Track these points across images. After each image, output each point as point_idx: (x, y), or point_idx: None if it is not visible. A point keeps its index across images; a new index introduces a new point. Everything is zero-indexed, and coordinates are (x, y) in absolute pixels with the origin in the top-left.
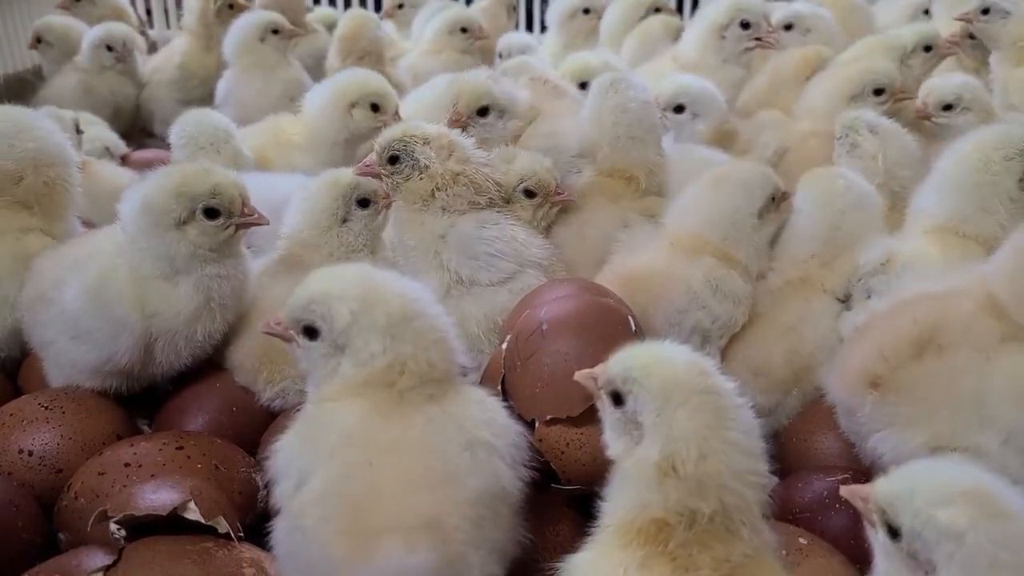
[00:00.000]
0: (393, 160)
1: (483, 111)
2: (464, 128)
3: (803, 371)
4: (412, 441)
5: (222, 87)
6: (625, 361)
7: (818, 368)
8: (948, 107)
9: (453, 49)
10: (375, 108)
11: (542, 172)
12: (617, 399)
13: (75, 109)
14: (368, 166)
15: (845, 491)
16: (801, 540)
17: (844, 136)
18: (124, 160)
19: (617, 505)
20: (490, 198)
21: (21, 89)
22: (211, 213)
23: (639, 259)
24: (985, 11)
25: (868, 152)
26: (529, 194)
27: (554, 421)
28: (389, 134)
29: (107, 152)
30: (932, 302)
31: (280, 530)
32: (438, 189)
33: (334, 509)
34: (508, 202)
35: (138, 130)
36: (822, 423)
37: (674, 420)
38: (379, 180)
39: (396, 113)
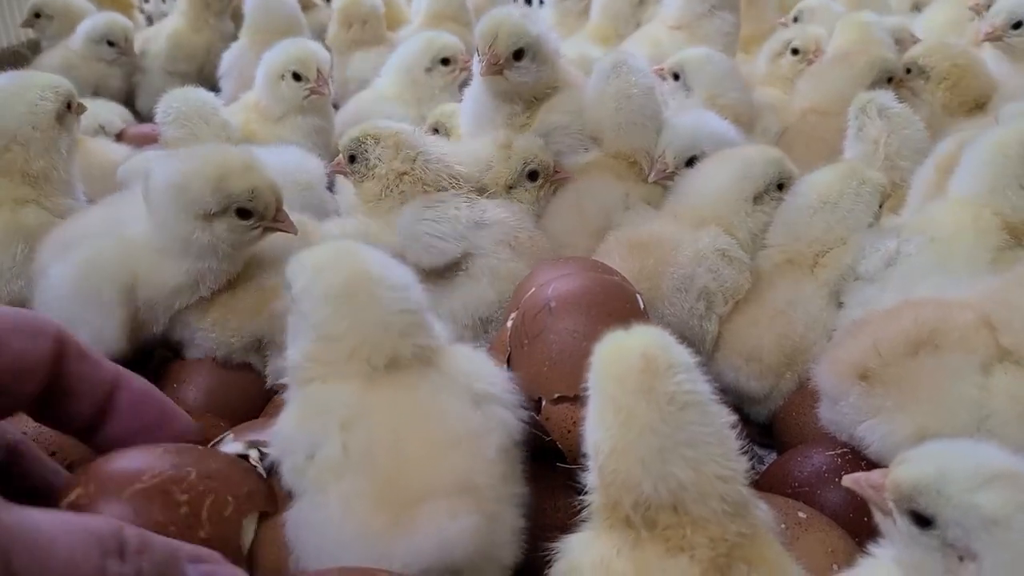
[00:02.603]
0: (352, 160)
1: (519, 54)
2: (500, 72)
3: (795, 354)
4: (426, 404)
5: (228, 58)
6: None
7: (810, 350)
8: (1019, 24)
9: (453, 21)
10: (297, 77)
11: (541, 153)
12: None
13: None
14: (339, 164)
15: (849, 481)
16: (800, 514)
17: (855, 117)
18: (119, 136)
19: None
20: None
21: (16, 64)
22: (244, 214)
23: (646, 227)
24: (1017, 25)
25: (871, 137)
26: (533, 176)
27: (561, 399)
28: (350, 133)
29: (102, 130)
30: (935, 306)
31: (298, 509)
32: (386, 189)
33: (363, 482)
34: (512, 188)
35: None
36: (819, 397)
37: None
38: (347, 178)
39: (320, 74)
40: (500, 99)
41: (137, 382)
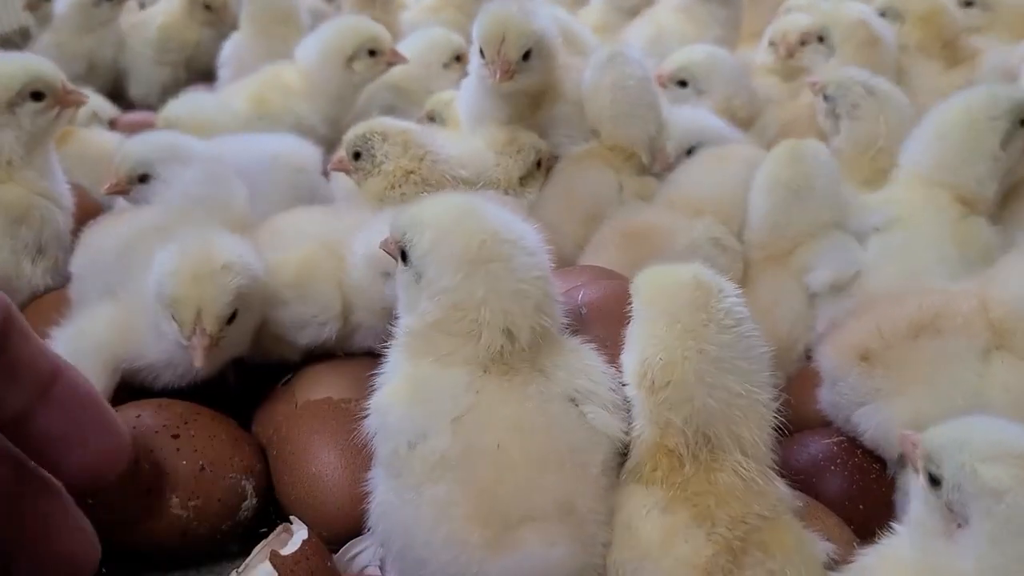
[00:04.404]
0: (356, 156)
1: (527, 55)
2: (512, 77)
3: (782, 353)
4: (532, 414)
5: (228, 48)
6: None
7: (795, 348)
8: (970, 3)
9: (455, 8)
10: (372, 53)
11: (541, 141)
12: None
13: None
14: (340, 161)
15: (899, 435)
16: (797, 502)
17: (842, 96)
18: (112, 124)
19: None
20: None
21: (7, 51)
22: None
23: (640, 217)
24: (969, 3)
25: (870, 114)
26: (538, 164)
27: None
28: (354, 130)
29: (95, 117)
30: (940, 293)
31: (388, 489)
32: (391, 187)
33: (462, 494)
34: (523, 179)
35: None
36: (817, 384)
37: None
38: (349, 175)
39: (393, 49)
40: (504, 97)
41: (81, 380)
